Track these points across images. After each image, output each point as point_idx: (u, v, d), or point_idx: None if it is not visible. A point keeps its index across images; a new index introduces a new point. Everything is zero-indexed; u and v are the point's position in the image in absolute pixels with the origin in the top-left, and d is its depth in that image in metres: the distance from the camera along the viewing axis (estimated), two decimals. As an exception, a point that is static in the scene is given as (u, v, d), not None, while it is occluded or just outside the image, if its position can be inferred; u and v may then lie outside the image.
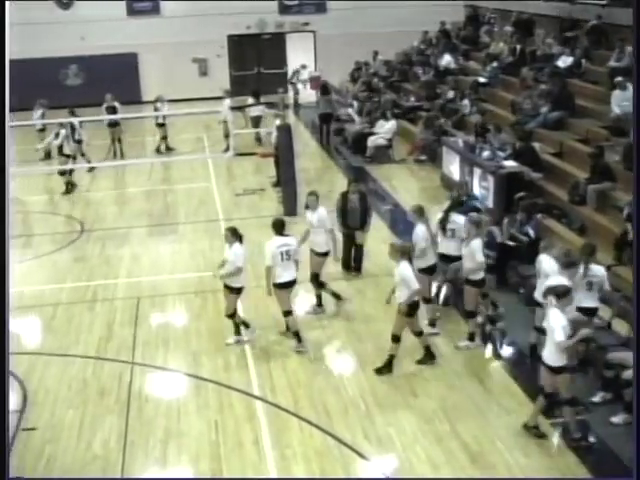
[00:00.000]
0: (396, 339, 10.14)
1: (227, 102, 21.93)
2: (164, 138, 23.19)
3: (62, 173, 19.63)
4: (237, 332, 11.18)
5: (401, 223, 15.35)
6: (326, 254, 12.02)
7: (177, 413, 9.51)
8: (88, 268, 14.24)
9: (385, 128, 21.22)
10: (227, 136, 22.29)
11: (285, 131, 17.08)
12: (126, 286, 13.46)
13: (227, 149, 20.78)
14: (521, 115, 18.24)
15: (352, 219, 13.00)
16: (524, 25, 23.51)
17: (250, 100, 23.19)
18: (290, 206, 16.51)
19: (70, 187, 19.45)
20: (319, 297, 12.13)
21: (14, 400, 9.91)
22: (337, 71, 28.98)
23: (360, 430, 8.96)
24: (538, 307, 10.00)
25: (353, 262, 13.36)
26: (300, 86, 30.40)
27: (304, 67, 30.67)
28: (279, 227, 10.95)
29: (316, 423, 9.13)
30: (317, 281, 12.08)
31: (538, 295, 9.89)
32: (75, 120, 20.36)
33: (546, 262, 9.95)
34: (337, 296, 12.29)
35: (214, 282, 12.96)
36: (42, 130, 22.69)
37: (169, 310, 12.41)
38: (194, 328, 11.76)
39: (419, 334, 10.33)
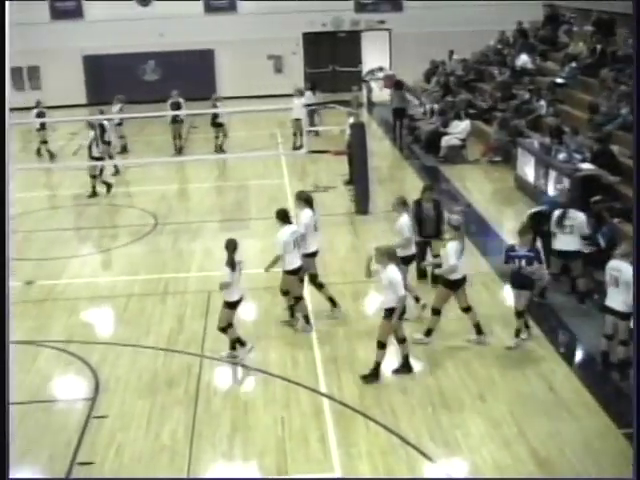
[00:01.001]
0: (382, 346, 9.95)
1: (301, 100, 22.03)
2: (218, 137, 23.22)
3: (93, 176, 18.90)
4: (232, 347, 10.73)
5: (474, 224, 15.21)
6: (315, 254, 11.91)
7: (244, 407, 9.58)
8: (161, 261, 14.45)
9: (459, 128, 21.04)
10: (295, 134, 22.45)
11: (358, 129, 17.07)
12: (197, 280, 13.62)
13: (300, 146, 20.86)
14: (599, 117, 17.86)
15: (427, 228, 12.56)
16: (605, 25, 22.99)
17: (308, 94, 23.26)
18: (362, 204, 16.50)
19: (108, 188, 19.11)
20: (330, 299, 11.93)
21: (86, 388, 10.15)
22: (411, 70, 28.84)
23: (426, 431, 8.91)
24: (609, 314, 9.80)
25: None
26: (374, 85, 30.34)
27: (381, 69, 30.63)
28: (284, 216, 11.27)
29: (382, 422, 9.10)
30: (316, 282, 11.95)
31: (613, 303, 9.67)
32: (106, 121, 20.33)
33: (627, 270, 9.48)
34: (333, 301, 11.94)
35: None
36: (119, 124, 23.10)
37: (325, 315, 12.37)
38: (263, 323, 11.83)
39: (402, 341, 10.15)
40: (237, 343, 10.69)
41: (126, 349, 11.15)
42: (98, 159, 19.28)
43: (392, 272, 9.78)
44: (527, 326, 10.96)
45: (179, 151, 22.86)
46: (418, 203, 12.74)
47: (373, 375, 10.01)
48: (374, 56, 31.95)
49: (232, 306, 10.52)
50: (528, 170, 17.38)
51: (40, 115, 23.52)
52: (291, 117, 22.56)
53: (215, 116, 22.63)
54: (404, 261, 11.16)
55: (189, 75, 30.54)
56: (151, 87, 31.41)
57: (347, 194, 17.76)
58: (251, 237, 15.01)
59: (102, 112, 20.90)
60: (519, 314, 10.75)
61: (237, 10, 31.99)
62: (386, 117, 26.54)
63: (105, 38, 31.14)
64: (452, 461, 8.49)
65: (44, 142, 23.55)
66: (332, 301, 11.92)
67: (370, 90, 30.28)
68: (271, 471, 8.40)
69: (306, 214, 11.73)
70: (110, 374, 10.44)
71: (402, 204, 11.87)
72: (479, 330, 10.94)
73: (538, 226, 12.12)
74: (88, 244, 15.86)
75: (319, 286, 12.00)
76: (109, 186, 19.14)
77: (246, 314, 12.08)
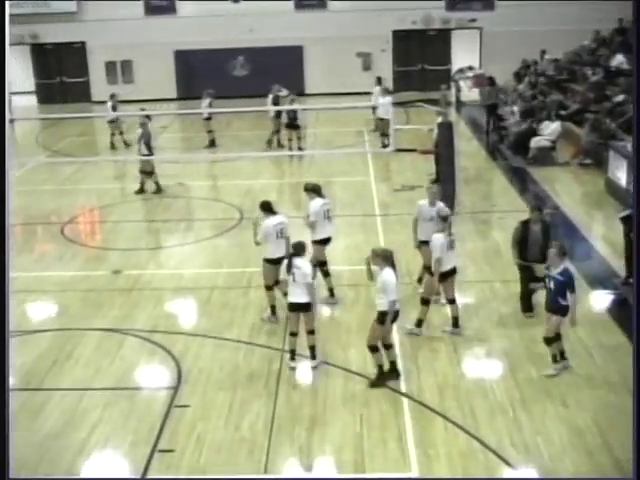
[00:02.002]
0: (373, 349, 9.89)
1: (387, 99, 21.97)
2: (291, 140, 23.24)
3: (144, 172, 18.96)
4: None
5: (562, 227, 14.91)
6: (326, 241, 12.47)
7: (323, 403, 9.60)
8: (245, 254, 14.56)
9: (550, 129, 20.66)
10: (383, 133, 22.37)
11: (446, 128, 16.91)
12: (281, 274, 13.68)
13: (388, 144, 20.77)
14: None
15: (532, 251, 11.46)
16: None
17: (377, 88, 23.19)
18: (448, 204, 16.28)
19: (158, 188, 18.93)
20: (331, 290, 12.45)
21: (169, 377, 10.32)
22: (501, 70, 28.43)
23: (507, 436, 8.77)
24: None
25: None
26: (463, 84, 30.04)
27: (470, 68, 30.32)
28: (268, 207, 11.68)
29: (461, 425, 9.00)
30: (323, 270, 12.31)
31: None
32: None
33: None
34: (332, 292, 12.41)
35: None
36: (208, 119, 23.42)
37: (322, 301, 12.50)
38: (345, 320, 11.83)
39: (388, 347, 10.01)
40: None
41: (209, 341, 11.30)
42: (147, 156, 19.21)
43: (387, 275, 9.69)
44: (563, 356, 10.14)
45: (277, 145, 22.94)
46: (525, 224, 11.67)
47: (379, 379, 9.93)
48: (464, 55, 31.63)
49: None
50: (620, 174, 16.94)
51: (114, 108, 24.02)
52: (378, 115, 22.56)
53: (294, 118, 22.35)
54: (318, 242, 12.19)
55: (278, 71, 30.73)
56: (240, 82, 31.82)
57: (433, 193, 17.59)
58: (335, 234, 14.97)
59: (144, 111, 20.34)
60: (547, 340, 10.05)
61: (327, 7, 32.06)
62: (474, 116, 26.25)
63: (196, 34, 31.66)
64: (533, 468, 8.34)
65: (120, 133, 24.04)
66: (331, 291, 12.41)
67: (459, 89, 29.99)
68: (348, 468, 8.40)
69: (316, 203, 12.29)
70: (192, 365, 10.60)
71: (313, 190, 12.35)
72: (456, 324, 11.20)
73: (629, 230, 11.79)
74: (174, 236, 16.12)
75: (325, 274, 12.33)
76: (159, 187, 18.99)
77: (328, 311, 12.10)
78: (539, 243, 11.44)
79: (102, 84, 32.41)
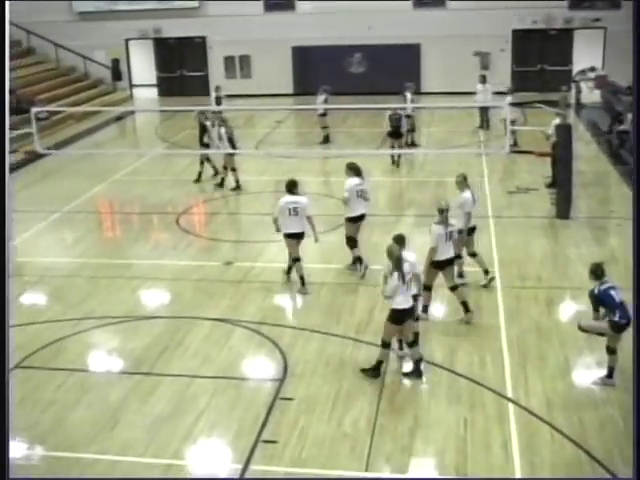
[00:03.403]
0: (385, 345, 10.00)
1: (507, 99, 21.61)
2: (410, 131, 23.02)
3: (226, 167, 19.25)
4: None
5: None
6: (357, 219, 13.46)
7: (427, 404, 9.53)
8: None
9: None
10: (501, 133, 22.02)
11: (565, 131, 16.50)
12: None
13: (514, 144, 20.45)
14: None
15: None
16: None
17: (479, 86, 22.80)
18: (563, 208, 15.96)
19: (237, 185, 19.10)
20: (359, 258, 13.45)
21: (275, 370, 10.44)
22: (626, 71, 27.49)
23: (617, 450, 8.50)
24: None
25: None
26: (584, 85, 29.26)
27: (593, 69, 29.49)
28: (290, 186, 12.71)
29: (569, 435, 8.78)
30: (348, 242, 13.47)
31: None
32: (208, 122, 19.56)
33: None
34: (360, 260, 13.38)
35: (477, 277, 12.88)
36: (323, 115, 23.55)
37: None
38: (453, 322, 11.71)
39: (411, 344, 10.16)
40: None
41: (316, 335, 11.37)
42: (206, 146, 19.46)
43: (390, 273, 9.79)
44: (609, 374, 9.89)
45: (405, 144, 22.76)
46: None
47: (374, 370, 10.05)
48: (586, 55, 30.75)
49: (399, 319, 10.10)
50: None
51: (218, 101, 24.41)
52: (499, 117, 22.22)
53: (398, 126, 21.80)
54: (290, 236, 12.78)
55: (394, 69, 30.65)
56: (356, 79, 31.82)
57: (549, 197, 17.23)
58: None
59: (203, 114, 19.95)
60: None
61: (446, 6, 31.76)
62: (594, 119, 25.52)
63: (314, 30, 31.86)
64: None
65: (220, 125, 24.35)
66: (360, 259, 13.41)
67: (579, 91, 29.21)
68: (449, 471, 8.32)
69: (351, 181, 13.31)
70: (299, 358, 10.69)
71: (291, 186, 12.76)
72: (466, 308, 11.50)
73: None
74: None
75: (351, 246, 13.46)
76: (238, 185, 19.19)
77: (436, 311, 12.00)
78: None
79: (220, 78, 32.96)
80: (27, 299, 13.28)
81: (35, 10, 32.27)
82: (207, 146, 19.44)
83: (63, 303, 12.90)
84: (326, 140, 23.76)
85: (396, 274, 9.69)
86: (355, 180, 13.33)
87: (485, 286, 12.67)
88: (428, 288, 11.46)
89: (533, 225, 15.72)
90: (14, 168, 20.94)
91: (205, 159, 19.81)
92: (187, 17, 33.09)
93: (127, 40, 34.34)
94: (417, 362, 10.14)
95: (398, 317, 9.85)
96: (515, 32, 31.60)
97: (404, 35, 31.34)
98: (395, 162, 20.89)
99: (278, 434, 8.96)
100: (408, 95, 23.15)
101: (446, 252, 11.37)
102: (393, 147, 20.88)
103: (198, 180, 19.80)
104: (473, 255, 12.80)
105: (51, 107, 26.34)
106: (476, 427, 9.01)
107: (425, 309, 11.57)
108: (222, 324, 11.70)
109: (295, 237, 12.81)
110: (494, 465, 8.37)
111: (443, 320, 11.85)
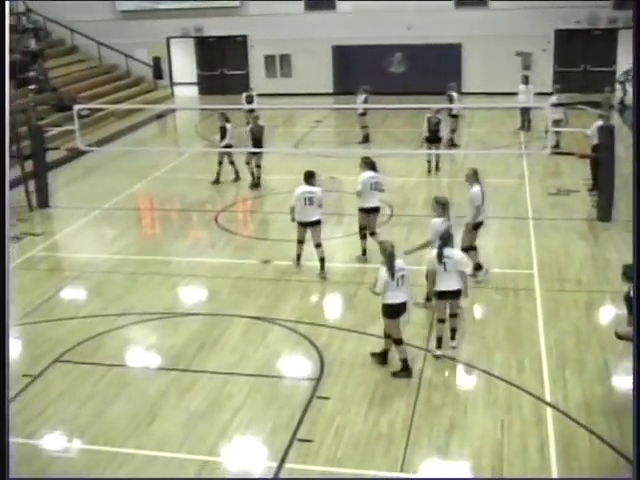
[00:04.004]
0: (397, 342, 10.18)
1: (552, 99, 21.43)
2: (453, 131, 22.91)
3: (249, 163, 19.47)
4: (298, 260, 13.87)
5: None
6: (375, 210, 14.07)
7: (464, 406, 9.47)
8: (393, 252, 14.51)
9: None
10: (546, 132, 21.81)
11: (607, 133, 16.28)
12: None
13: (556, 145, 20.25)
14: None
15: None
16: None
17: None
18: (605, 211, 15.77)
19: (257, 181, 19.37)
20: (364, 250, 14.13)
21: (312, 369, 10.44)
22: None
23: (657, 456, 8.37)
24: None
25: None
26: (629, 86, 28.85)
27: (638, 68, 29.07)
28: (307, 177, 13.45)
29: (608, 441, 8.66)
30: (360, 232, 14.11)
31: None
32: (229, 124, 19.60)
33: None
34: (364, 252, 14.11)
35: (516, 279, 12.79)
36: (363, 115, 23.51)
37: (466, 303, 12.32)
38: (491, 324, 11.63)
39: (397, 342, 10.18)
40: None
41: (352, 335, 11.36)
42: (228, 146, 19.51)
43: (381, 270, 9.96)
44: None
45: (451, 144, 22.68)
46: None
47: (380, 355, 10.40)
48: (631, 56, 30.36)
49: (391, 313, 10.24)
50: None
51: (249, 99, 24.44)
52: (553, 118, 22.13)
53: (437, 130, 21.75)
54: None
55: (435, 69, 30.54)
56: (397, 79, 31.75)
57: (590, 199, 17.04)
58: (486, 235, 14.74)
59: (223, 115, 19.86)
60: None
61: (488, 5, 31.54)
62: None
63: (354, 29, 31.84)
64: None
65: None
66: (364, 251, 14.11)
67: (624, 92, 28.82)
68: (485, 473, 8.26)
69: (365, 174, 13.80)
70: (335, 357, 10.68)
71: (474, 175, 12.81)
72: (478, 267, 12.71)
73: None
74: (324, 229, 16.16)
75: (363, 236, 14.08)
76: (258, 183, 19.39)
77: (475, 313, 11.92)
78: None
79: (261, 77, 33.12)
80: (67, 294, 13.44)
81: (79, 9, 32.71)
82: (228, 147, 19.52)
83: (102, 299, 13.03)
84: (365, 140, 23.74)
85: (385, 270, 9.88)
86: (370, 173, 13.83)
87: (478, 282, 12.73)
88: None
89: (573, 227, 15.57)
90: (56, 165, 21.22)
91: (230, 162, 19.81)
92: (228, 16, 33.25)
93: (168, 38, 34.59)
94: (404, 361, 10.18)
95: (391, 311, 10.04)
96: (558, 32, 31.30)
97: (445, 35, 31.20)
98: (431, 170, 20.30)
99: (313, 433, 8.96)
100: (454, 95, 23.04)
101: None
102: (430, 153, 20.28)
103: (217, 181, 19.75)
104: (469, 249, 12.66)
105: (93, 105, 26.64)
106: (513, 430, 8.93)
107: (429, 299, 11.81)
108: (259, 322, 11.73)
109: (308, 225, 13.54)
110: (531, 469, 8.29)
111: (480, 322, 11.77)
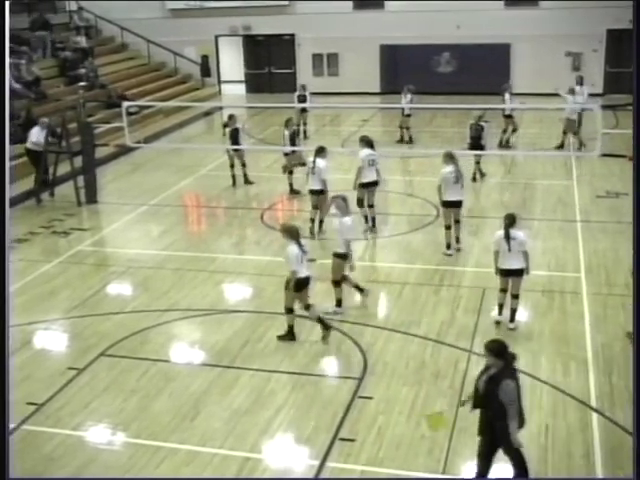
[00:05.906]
0: (289, 311, 11.08)
1: (576, 99, 21.27)
2: (506, 131, 22.66)
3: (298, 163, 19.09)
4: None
5: None
6: (373, 184, 15.29)
7: (508, 409, 9.36)
8: (438, 252, 14.44)
9: None
10: (565, 133, 21.70)
11: (659, 134, 16.00)
12: (473, 275, 13.48)
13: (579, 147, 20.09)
14: None
15: None
16: None
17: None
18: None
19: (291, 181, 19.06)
20: (366, 218, 15.56)
21: (355, 368, 10.41)
22: None
23: None
24: None
25: None
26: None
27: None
28: (370, 142, 15.26)
29: (656, 448, 8.51)
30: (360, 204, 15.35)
31: None
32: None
33: None
34: (366, 219, 15.50)
35: (563, 282, 12.64)
36: (408, 115, 23.38)
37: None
38: (537, 327, 11.50)
39: (306, 307, 11.09)
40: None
41: (396, 335, 11.32)
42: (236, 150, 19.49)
43: (289, 249, 10.81)
44: None
45: (505, 144, 22.53)
46: None
47: (288, 335, 11.19)
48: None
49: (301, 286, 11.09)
50: None
51: (301, 99, 24.45)
52: (562, 116, 21.97)
53: (479, 137, 21.29)
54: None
55: (484, 69, 30.31)
56: (444, 79, 31.58)
57: (639, 202, 16.75)
58: (533, 237, 14.57)
59: (232, 118, 19.76)
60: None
61: (538, 5, 31.20)
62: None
63: (402, 29, 31.72)
64: None
65: (304, 124, 24.59)
66: (366, 218, 15.50)
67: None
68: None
69: (364, 152, 15.12)
70: (379, 357, 10.65)
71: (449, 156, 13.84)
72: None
73: None
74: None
75: (360, 205, 15.33)
76: (294, 189, 19.05)
77: (522, 316, 11.78)
78: None
79: (308, 76, 33.13)
80: (113, 289, 13.57)
81: (129, 8, 33.07)
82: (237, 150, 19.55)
83: (148, 294, 13.14)
84: (410, 140, 23.51)
85: (295, 247, 10.78)
86: (368, 151, 15.15)
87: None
88: (448, 227, 14.11)
89: (622, 231, 15.29)
90: (104, 161, 21.47)
91: (242, 165, 19.70)
92: (276, 14, 33.34)
93: (217, 37, 34.80)
94: (319, 319, 11.09)
95: (301, 285, 10.88)
96: (610, 32, 30.85)
97: (494, 34, 30.94)
98: (476, 178, 19.31)
99: (355, 432, 8.94)
100: (507, 95, 22.81)
101: (453, 194, 13.70)
102: (477, 162, 19.28)
103: (234, 184, 19.71)
104: None
105: (141, 102, 26.89)
106: (557, 435, 8.82)
107: (448, 246, 14.06)
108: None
109: (372, 185, 15.08)
110: (575, 474, 8.18)
111: (527, 325, 11.64)
